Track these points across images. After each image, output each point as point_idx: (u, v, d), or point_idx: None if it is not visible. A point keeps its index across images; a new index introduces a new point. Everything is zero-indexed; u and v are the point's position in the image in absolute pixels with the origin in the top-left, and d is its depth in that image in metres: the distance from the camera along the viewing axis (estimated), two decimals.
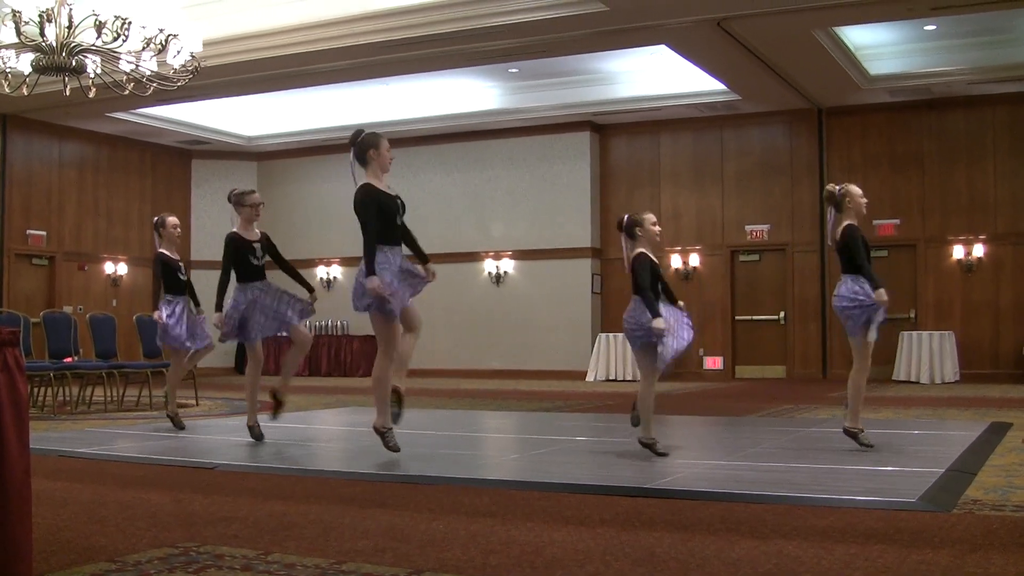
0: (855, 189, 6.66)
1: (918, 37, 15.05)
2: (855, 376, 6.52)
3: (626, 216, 6.58)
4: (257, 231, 7.63)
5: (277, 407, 7.56)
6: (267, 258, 7.60)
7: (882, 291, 6.35)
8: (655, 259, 6.42)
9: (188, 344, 8.60)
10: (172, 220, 8.78)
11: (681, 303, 6.56)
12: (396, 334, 6.18)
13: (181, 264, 8.71)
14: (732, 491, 4.96)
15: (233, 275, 7.47)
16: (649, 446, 6.29)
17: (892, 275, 15.48)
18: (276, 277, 7.71)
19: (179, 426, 8.41)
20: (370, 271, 5.91)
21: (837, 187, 6.69)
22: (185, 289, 8.66)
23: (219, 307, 7.49)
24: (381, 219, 6.06)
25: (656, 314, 6.14)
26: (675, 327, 6.26)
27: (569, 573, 3.36)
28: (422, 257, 6.43)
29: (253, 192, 7.73)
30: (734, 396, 13.00)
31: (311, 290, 7.60)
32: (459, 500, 4.84)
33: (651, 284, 6.28)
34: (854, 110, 17.02)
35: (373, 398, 6.31)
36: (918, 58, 15.53)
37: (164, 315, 8.51)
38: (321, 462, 6.77)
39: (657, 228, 6.53)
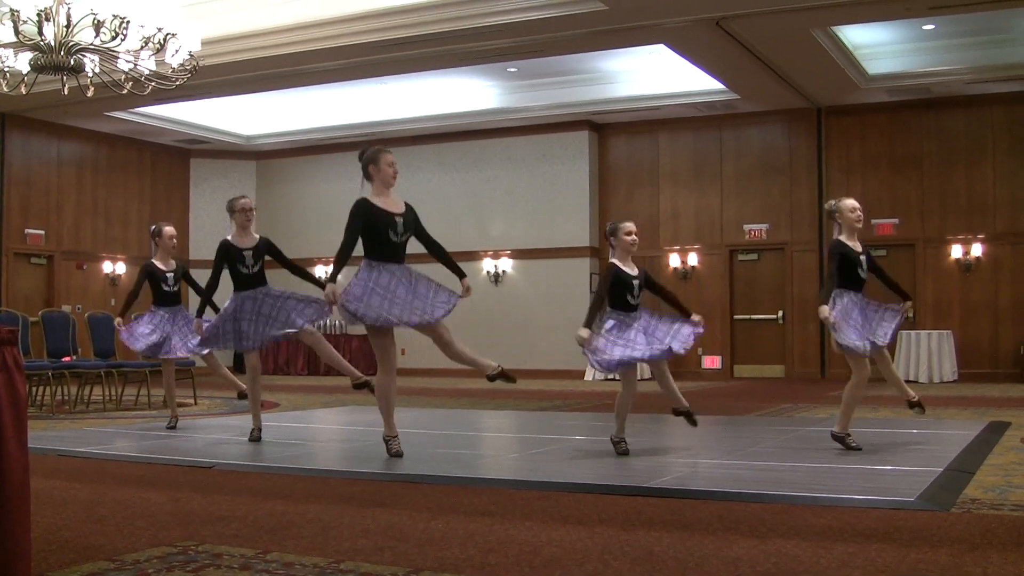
0: (846, 204, 6.65)
1: (917, 37, 15.05)
2: (852, 389, 6.53)
3: (609, 223, 6.67)
4: (255, 236, 7.52)
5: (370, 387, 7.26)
6: (260, 264, 7.44)
7: (822, 307, 6.34)
8: (625, 269, 6.41)
9: (166, 352, 8.52)
10: (169, 231, 8.68)
11: (695, 317, 6.48)
12: (388, 348, 6.23)
13: (170, 275, 8.56)
14: (731, 490, 4.96)
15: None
16: (615, 443, 6.45)
17: (891, 274, 15.46)
18: (288, 281, 7.62)
19: (169, 426, 8.42)
20: (330, 279, 6.08)
21: (833, 202, 6.73)
22: (174, 300, 8.59)
23: (199, 313, 7.51)
24: (367, 235, 6.15)
25: (585, 325, 6.24)
26: (607, 344, 6.26)
27: (568, 572, 3.36)
28: (457, 273, 6.43)
29: (242, 197, 7.64)
30: (733, 395, 13.01)
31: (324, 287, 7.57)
32: (458, 499, 4.84)
33: (607, 295, 6.39)
34: (853, 110, 17.03)
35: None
36: (917, 57, 15.54)
37: (137, 325, 8.57)
38: (320, 461, 6.77)
39: (631, 238, 6.48)
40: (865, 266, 6.57)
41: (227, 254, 7.39)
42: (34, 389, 10.69)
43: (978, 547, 3.67)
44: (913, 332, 15.86)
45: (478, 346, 20.18)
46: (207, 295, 7.51)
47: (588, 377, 17.47)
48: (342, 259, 6.11)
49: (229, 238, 7.46)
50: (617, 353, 6.23)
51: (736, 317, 17.88)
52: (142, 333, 8.56)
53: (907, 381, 15.34)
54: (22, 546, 2.77)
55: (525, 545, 3.77)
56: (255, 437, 7.39)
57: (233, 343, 7.44)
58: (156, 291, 8.60)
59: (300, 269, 7.67)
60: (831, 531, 3.99)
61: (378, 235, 6.15)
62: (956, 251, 16.49)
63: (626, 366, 6.35)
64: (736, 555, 3.58)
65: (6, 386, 2.77)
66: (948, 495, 4.74)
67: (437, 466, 6.06)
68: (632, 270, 6.46)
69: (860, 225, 6.64)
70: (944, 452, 6.32)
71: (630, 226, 6.55)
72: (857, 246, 6.58)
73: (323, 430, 8.97)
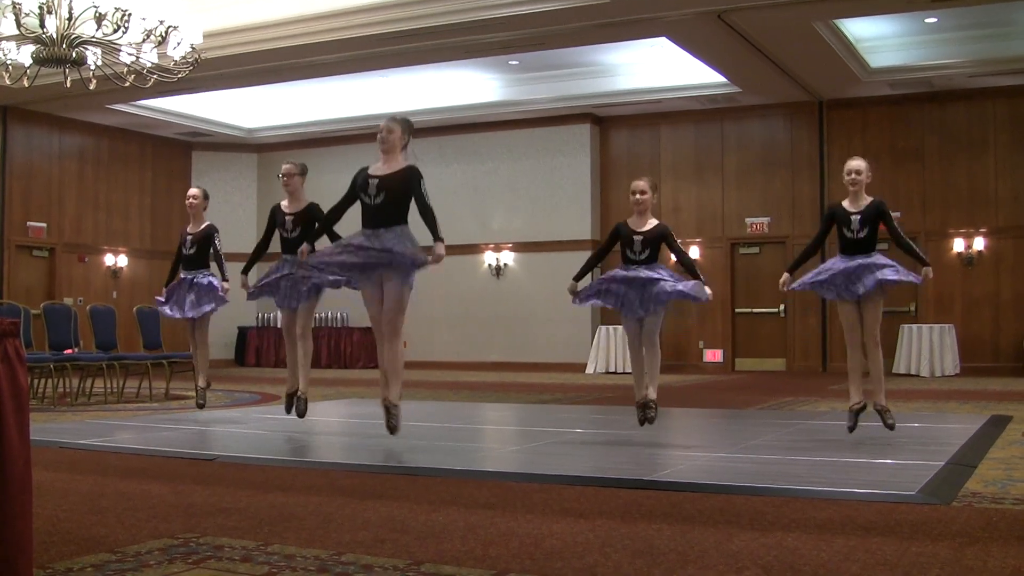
0: (845, 166, 7.07)
1: (919, 30, 15.03)
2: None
3: None
4: (303, 202, 7.71)
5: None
6: (301, 229, 7.56)
7: (785, 275, 7.18)
8: (629, 225, 6.81)
9: (170, 313, 8.70)
10: (189, 192, 8.84)
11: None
12: (370, 311, 6.53)
13: (189, 237, 8.59)
14: (731, 483, 4.97)
15: None
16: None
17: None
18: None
19: (198, 405, 8.62)
20: (310, 239, 6.84)
21: None
22: (187, 263, 8.61)
23: (244, 270, 7.97)
24: (347, 196, 6.55)
25: (575, 278, 7.14)
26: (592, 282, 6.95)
27: (568, 565, 3.37)
28: (433, 235, 6.42)
29: (285, 163, 7.99)
30: (734, 389, 13.01)
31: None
32: (458, 492, 4.84)
33: (598, 251, 7.26)
34: (855, 103, 17.00)
35: None
36: (919, 51, 15.51)
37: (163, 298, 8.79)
38: (320, 453, 6.78)
39: (634, 197, 6.88)
40: (856, 225, 6.69)
41: (272, 217, 7.81)
42: (36, 381, 10.71)
43: (979, 541, 3.67)
44: (915, 326, 15.85)
45: (478, 339, 20.30)
46: (253, 254, 7.97)
47: (589, 370, 17.47)
48: (326, 219, 6.81)
49: (282, 203, 7.78)
50: (594, 285, 6.77)
51: (737, 310, 17.87)
52: (160, 301, 8.84)
53: (908, 375, 15.39)
54: (24, 538, 2.78)
55: (526, 538, 3.78)
56: (297, 407, 7.58)
57: (277, 298, 7.67)
58: (177, 254, 8.76)
59: (329, 234, 7.38)
60: (832, 524, 3.99)
61: (351, 197, 6.53)
62: (958, 245, 16.47)
63: (604, 297, 6.65)
64: (737, 548, 3.58)
65: (8, 378, 2.77)
66: (949, 489, 4.74)
67: (438, 458, 6.07)
68: (639, 226, 6.69)
69: (853, 188, 6.91)
70: (945, 446, 6.32)
71: (634, 184, 6.92)
72: (854, 206, 6.83)
73: (324, 422, 8.97)
